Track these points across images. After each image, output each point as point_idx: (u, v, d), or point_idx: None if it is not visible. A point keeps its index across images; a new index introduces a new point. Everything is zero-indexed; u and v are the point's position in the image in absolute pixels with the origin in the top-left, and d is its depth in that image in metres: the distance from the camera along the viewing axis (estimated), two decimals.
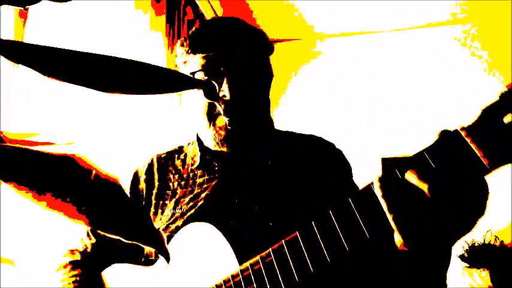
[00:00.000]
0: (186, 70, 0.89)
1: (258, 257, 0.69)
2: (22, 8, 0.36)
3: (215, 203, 0.85)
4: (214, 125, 0.87)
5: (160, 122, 1.77)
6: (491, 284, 2.02)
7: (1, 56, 0.33)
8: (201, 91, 0.40)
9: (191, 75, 0.86)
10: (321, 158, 0.92)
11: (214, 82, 0.39)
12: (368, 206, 0.58)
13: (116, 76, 0.36)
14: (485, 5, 2.49)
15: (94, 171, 0.36)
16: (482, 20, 2.62)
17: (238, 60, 0.87)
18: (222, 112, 0.85)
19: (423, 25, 2.72)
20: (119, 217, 0.38)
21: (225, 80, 0.84)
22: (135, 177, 0.98)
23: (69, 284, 0.89)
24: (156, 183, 0.94)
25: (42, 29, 1.16)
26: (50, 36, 1.20)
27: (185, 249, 0.79)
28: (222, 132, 0.86)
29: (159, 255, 0.45)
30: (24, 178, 0.34)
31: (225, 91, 0.84)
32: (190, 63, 0.89)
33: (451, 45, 2.66)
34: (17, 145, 0.36)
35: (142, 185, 0.95)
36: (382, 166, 0.58)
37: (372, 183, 0.58)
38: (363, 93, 2.73)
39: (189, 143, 1.01)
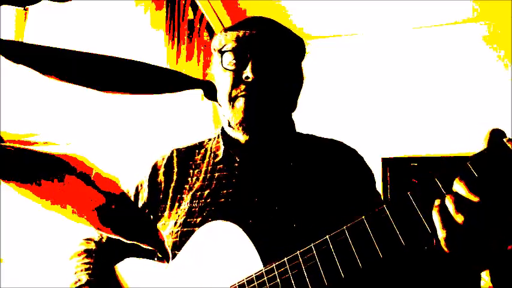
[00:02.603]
0: (217, 55, 0.93)
1: (284, 259, 0.68)
2: (22, 8, 0.36)
3: (235, 201, 0.85)
4: (233, 106, 0.87)
5: (160, 122, 1.77)
6: (491, 285, 2.02)
7: (1, 56, 0.33)
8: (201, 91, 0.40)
9: (219, 55, 0.90)
10: (343, 163, 0.92)
11: (213, 82, 0.39)
12: (405, 214, 0.59)
13: (116, 76, 0.36)
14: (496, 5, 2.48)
15: (94, 171, 0.36)
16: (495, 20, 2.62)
17: (266, 45, 0.88)
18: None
19: (417, 27, 2.72)
20: (119, 217, 0.38)
21: (250, 61, 0.85)
22: (154, 170, 0.98)
23: (82, 271, 0.88)
24: (175, 177, 0.94)
25: (42, 29, 1.16)
26: (50, 36, 1.20)
27: (207, 247, 0.78)
28: (240, 114, 0.86)
29: (159, 254, 0.45)
30: (24, 178, 0.34)
31: (247, 72, 0.85)
32: (224, 47, 0.91)
33: (444, 45, 2.66)
34: (17, 145, 0.35)
35: (161, 178, 0.95)
36: (428, 176, 0.59)
37: (410, 192, 0.59)
38: (350, 94, 2.73)
39: (210, 139, 1.01)
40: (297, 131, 0.99)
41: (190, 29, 2.09)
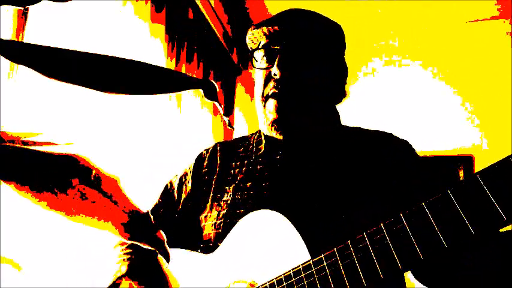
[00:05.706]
0: (251, 47, 0.91)
1: (334, 249, 0.65)
2: (22, 8, 0.36)
3: (276, 193, 0.84)
4: (264, 106, 0.86)
5: (160, 122, 1.77)
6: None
7: (1, 56, 0.33)
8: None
9: (249, 54, 0.88)
10: (391, 157, 0.87)
11: (214, 82, 0.39)
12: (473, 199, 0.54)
13: (116, 76, 0.36)
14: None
15: (94, 171, 0.36)
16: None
17: (296, 40, 0.84)
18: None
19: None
20: (119, 217, 0.38)
21: (277, 58, 0.82)
22: (198, 162, 0.99)
23: (124, 260, 0.87)
24: (218, 169, 0.95)
25: (42, 29, 1.16)
26: (50, 36, 1.20)
27: (252, 236, 0.77)
28: (271, 115, 0.84)
29: (160, 255, 0.45)
30: (24, 178, 0.34)
31: (274, 69, 0.82)
32: (255, 44, 0.89)
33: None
34: (17, 145, 0.35)
35: (205, 170, 0.96)
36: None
37: (446, 190, 0.56)
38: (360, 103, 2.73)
39: (254, 133, 1.00)
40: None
41: (190, 29, 2.09)
